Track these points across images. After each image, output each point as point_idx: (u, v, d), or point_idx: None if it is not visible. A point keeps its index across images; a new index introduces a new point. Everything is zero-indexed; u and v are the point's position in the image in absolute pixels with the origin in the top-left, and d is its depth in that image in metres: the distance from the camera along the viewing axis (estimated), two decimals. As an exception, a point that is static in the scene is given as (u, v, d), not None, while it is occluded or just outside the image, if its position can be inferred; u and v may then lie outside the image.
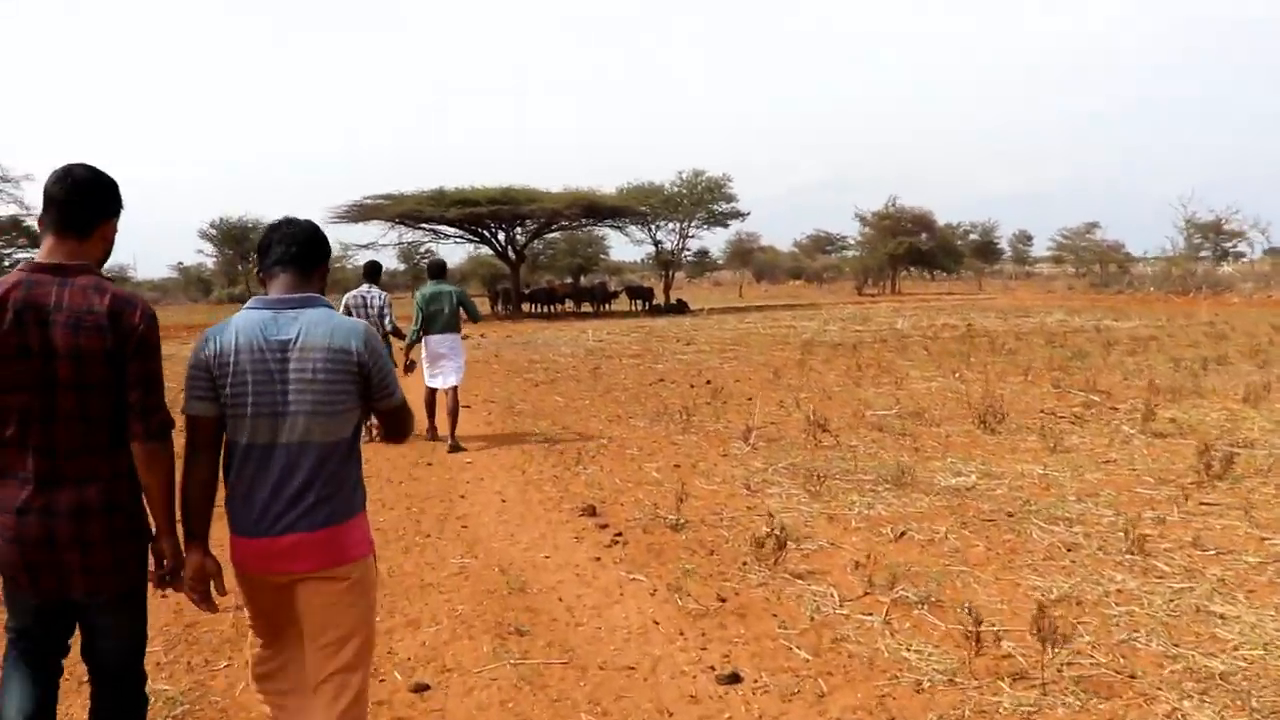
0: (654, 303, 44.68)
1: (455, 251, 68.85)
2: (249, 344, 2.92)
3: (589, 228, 50.70)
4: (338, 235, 61.55)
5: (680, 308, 42.83)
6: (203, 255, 67.31)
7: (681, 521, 7.04)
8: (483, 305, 33.51)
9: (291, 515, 2.93)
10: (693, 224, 48.45)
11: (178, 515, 3.01)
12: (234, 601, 3.90)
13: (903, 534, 6.66)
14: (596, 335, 26.65)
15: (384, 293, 11.01)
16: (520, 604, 5.58)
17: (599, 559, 6.36)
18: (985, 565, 5.99)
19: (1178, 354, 17.50)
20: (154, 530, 2.99)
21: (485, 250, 58.04)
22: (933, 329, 26.01)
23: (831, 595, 5.51)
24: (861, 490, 7.93)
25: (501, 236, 45.76)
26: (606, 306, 44.68)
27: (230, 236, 61.73)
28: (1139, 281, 48.66)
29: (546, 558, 6.43)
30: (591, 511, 7.44)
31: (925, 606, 5.29)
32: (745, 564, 6.10)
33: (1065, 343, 20.41)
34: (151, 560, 3.02)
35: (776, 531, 6.12)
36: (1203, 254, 54.49)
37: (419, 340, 10.72)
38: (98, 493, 2.82)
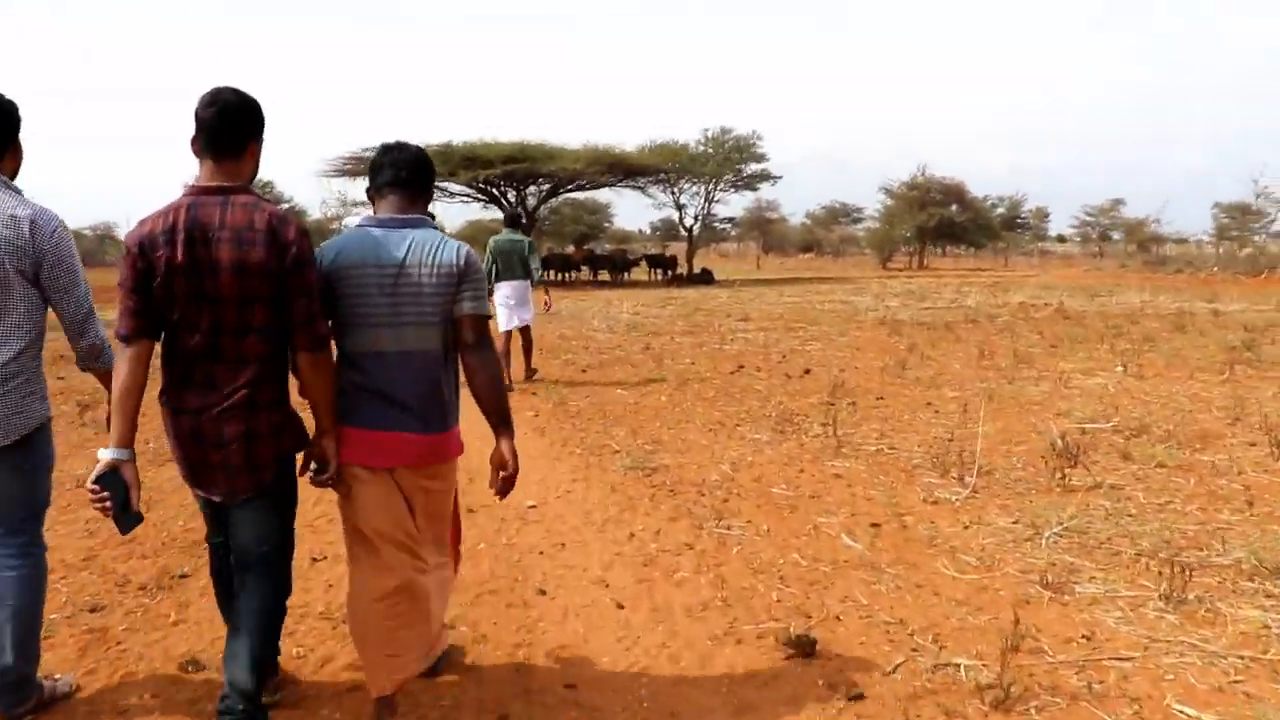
0: (677, 272, 41.07)
1: (460, 213, 64.54)
2: (361, 259, 3.14)
3: (602, 189, 46.27)
4: (335, 189, 57.44)
5: (706, 278, 39.26)
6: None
7: (1004, 693, 3.57)
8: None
9: (398, 416, 3.16)
10: (720, 187, 44.42)
11: None
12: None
13: None
14: (631, 308, 23.07)
15: None
16: None
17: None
18: None
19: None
20: (315, 431, 3.19)
21: (486, 215, 53.94)
22: (1011, 308, 22.48)
23: None
24: (1238, 589, 4.59)
25: (512, 197, 41.98)
26: (626, 276, 41.02)
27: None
28: (1199, 261, 45.03)
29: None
30: (804, 649, 3.96)
31: None
32: None
33: (1191, 326, 16.95)
34: (303, 459, 3.25)
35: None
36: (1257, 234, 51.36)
37: (491, 287, 10.80)
38: (245, 396, 3.01)
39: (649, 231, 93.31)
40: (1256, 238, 51.30)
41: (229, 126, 2.99)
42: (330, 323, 3.16)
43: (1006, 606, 4.40)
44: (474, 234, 64.63)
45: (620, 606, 4.50)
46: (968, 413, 8.86)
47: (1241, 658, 3.90)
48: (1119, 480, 6.57)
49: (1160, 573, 4.73)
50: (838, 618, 4.35)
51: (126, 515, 2.98)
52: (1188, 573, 4.59)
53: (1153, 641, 4.06)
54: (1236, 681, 3.71)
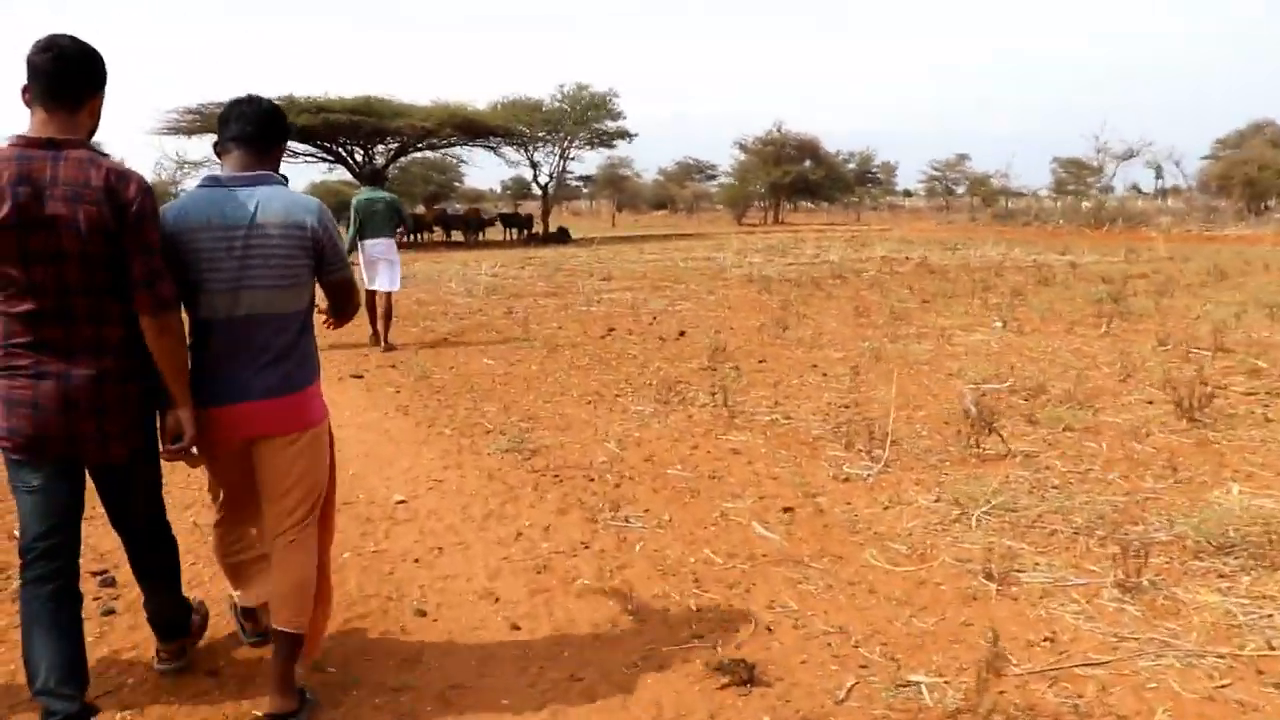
0: (533, 232, 40.09)
1: (303, 174, 61.70)
2: (205, 221, 2.95)
3: (456, 147, 44.49)
4: (169, 150, 54.00)
5: (562, 236, 38.41)
6: None
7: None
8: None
9: (253, 384, 3.01)
10: (574, 144, 43.28)
11: None
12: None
13: None
14: (489, 269, 22.12)
15: None
16: None
17: None
18: None
19: (1218, 295, 14.21)
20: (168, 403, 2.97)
21: (331, 176, 51.57)
22: (875, 262, 22.43)
23: None
24: (1189, 570, 4.24)
25: (359, 156, 40.13)
26: (480, 236, 39.77)
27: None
28: (1045, 214, 46.26)
29: None
30: (740, 675, 3.33)
31: None
32: None
33: (1054, 279, 17.07)
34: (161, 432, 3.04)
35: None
36: (1096, 188, 53.38)
37: (355, 247, 10.71)
38: (112, 361, 2.84)
39: (500, 190, 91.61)
40: (1093, 192, 53.16)
41: (66, 74, 2.76)
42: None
43: (953, 603, 3.92)
44: (320, 195, 62.41)
45: (516, 628, 3.81)
46: (860, 376, 8.41)
47: (1221, 656, 3.47)
48: (1031, 447, 6.18)
49: (1108, 555, 4.31)
50: (769, 629, 3.75)
51: None
52: (1143, 555, 4.16)
53: (1120, 641, 3.60)
54: (1223, 687, 3.27)
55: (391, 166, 42.15)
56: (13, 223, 2.66)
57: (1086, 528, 4.72)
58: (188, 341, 2.98)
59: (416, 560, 4.54)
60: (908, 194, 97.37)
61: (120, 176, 2.79)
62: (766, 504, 5.23)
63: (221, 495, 3.34)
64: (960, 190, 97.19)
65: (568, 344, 10.89)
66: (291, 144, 38.92)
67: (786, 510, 5.11)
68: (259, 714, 3.11)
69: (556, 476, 5.79)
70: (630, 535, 4.80)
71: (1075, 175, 71.23)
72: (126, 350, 2.86)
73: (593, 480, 5.71)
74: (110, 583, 4.23)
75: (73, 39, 2.80)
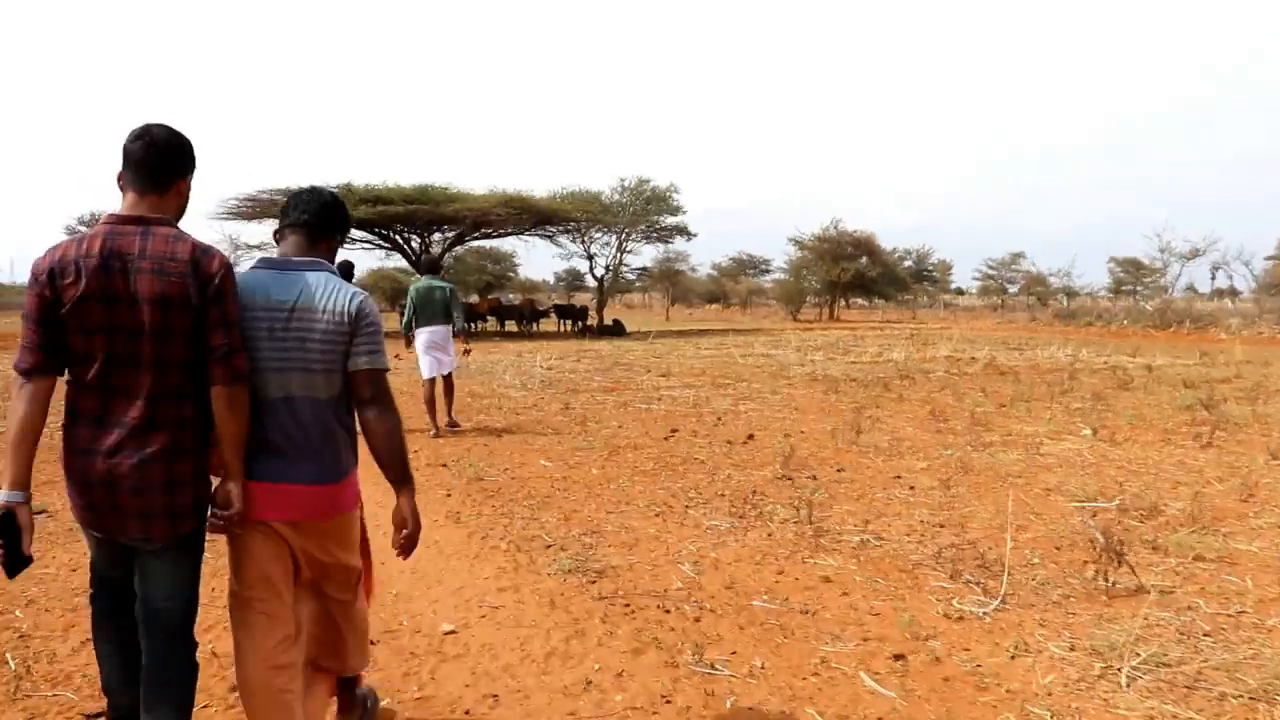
0: (587, 323, 39.72)
1: (360, 261, 62.19)
2: (251, 301, 2.98)
3: (509, 237, 44.40)
4: (227, 233, 54.75)
5: (617, 329, 37.99)
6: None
7: None
8: (389, 322, 26.60)
9: (288, 467, 3.01)
10: (632, 238, 43.01)
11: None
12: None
13: None
14: (544, 361, 21.63)
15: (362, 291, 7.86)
16: None
17: None
18: None
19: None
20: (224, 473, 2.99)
21: (388, 263, 51.83)
22: (940, 361, 21.69)
23: None
24: None
25: (416, 243, 40.20)
26: (535, 326, 39.48)
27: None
28: (1108, 314, 45.23)
29: None
30: None
31: None
32: None
33: (1133, 383, 16.19)
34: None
35: None
36: (1177, 289, 52.49)
37: (410, 332, 11.12)
38: (166, 438, 2.83)
39: (553, 281, 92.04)
40: (1148, 292, 52.26)
41: (156, 161, 2.89)
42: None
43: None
44: (375, 281, 62.67)
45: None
46: (950, 490, 7.69)
47: None
48: (1164, 581, 5.44)
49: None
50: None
51: (17, 559, 2.78)
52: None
53: None
54: None
55: (447, 255, 42.19)
56: (98, 294, 2.74)
57: (1265, 692, 3.97)
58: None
59: (467, 713, 3.88)
60: (960, 292, 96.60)
61: (204, 252, 2.87)
62: (872, 648, 4.52)
63: (247, 575, 3.15)
64: (1013, 289, 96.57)
65: (629, 446, 10.27)
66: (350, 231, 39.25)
67: (897, 658, 4.40)
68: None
69: (627, 605, 5.13)
70: (718, 687, 4.10)
71: (1133, 275, 70.37)
72: (184, 426, 2.88)
73: (669, 612, 5.03)
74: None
75: (164, 128, 2.93)
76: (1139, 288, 66.98)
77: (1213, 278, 62.39)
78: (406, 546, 3.17)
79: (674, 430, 11.34)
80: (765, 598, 5.24)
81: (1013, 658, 4.40)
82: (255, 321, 2.97)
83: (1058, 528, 6.60)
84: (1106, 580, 5.32)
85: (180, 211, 3.01)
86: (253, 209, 37.57)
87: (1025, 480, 8.29)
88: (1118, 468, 8.87)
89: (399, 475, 3.14)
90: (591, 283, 46.05)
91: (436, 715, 3.86)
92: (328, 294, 3.04)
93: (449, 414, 11.46)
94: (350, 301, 3.05)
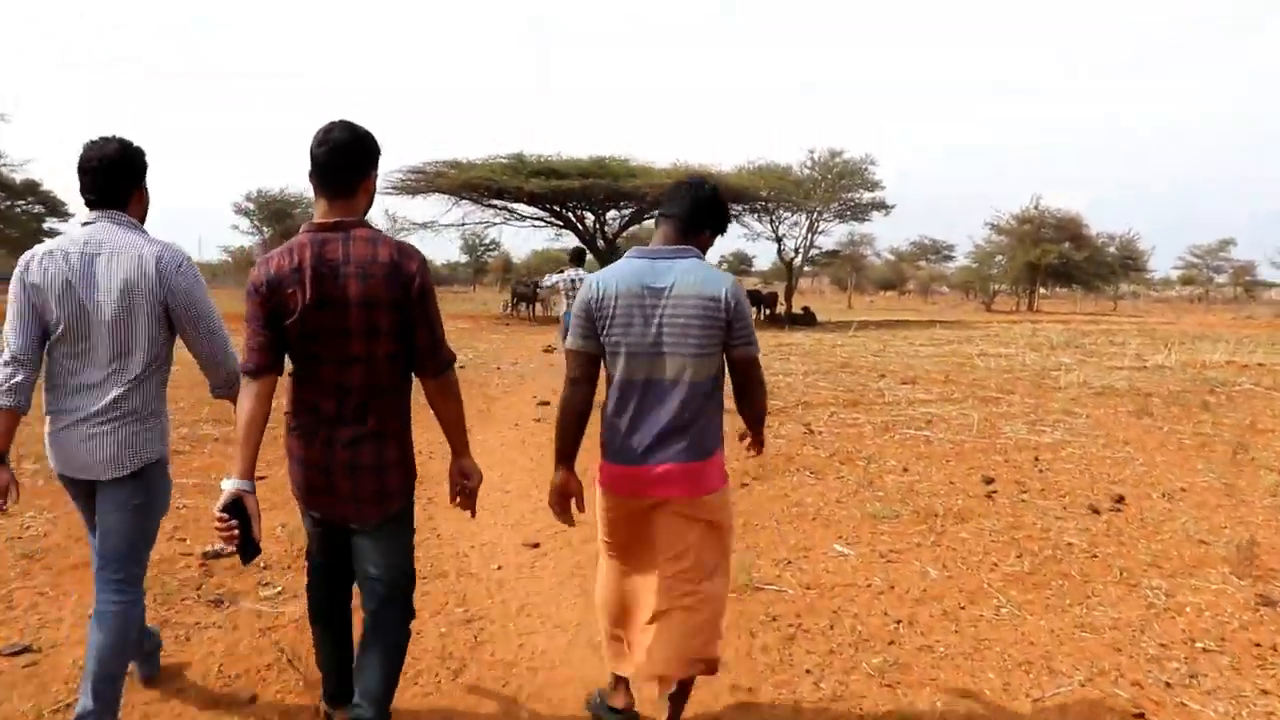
0: (776, 311, 36.34)
1: (528, 240, 60.06)
2: (628, 289, 3.15)
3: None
4: (390, 209, 53.26)
5: (808, 318, 34.62)
6: (239, 232, 60.81)
7: None
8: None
9: (662, 447, 3.13)
10: (825, 215, 39.04)
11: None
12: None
13: None
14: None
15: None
16: None
17: None
18: None
19: None
20: (454, 452, 3.22)
21: (555, 245, 49.23)
22: (1225, 369, 17.57)
23: None
24: None
25: (590, 220, 37.43)
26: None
27: (272, 212, 54.55)
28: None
29: None
30: None
31: None
32: None
33: None
34: (448, 480, 3.28)
35: None
36: None
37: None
38: (375, 425, 3.00)
39: (719, 265, 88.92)
40: None
41: (341, 165, 2.97)
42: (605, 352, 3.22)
43: None
44: (540, 264, 60.48)
45: None
46: None
47: None
48: None
49: None
50: None
51: (248, 545, 2.93)
52: None
53: None
54: None
55: (622, 235, 39.20)
56: (315, 302, 2.88)
57: None
58: (600, 401, 3.22)
59: None
60: (1165, 282, 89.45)
61: (403, 252, 2.96)
62: None
63: (613, 553, 3.36)
64: (1221, 279, 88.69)
65: (949, 513, 6.92)
66: (519, 205, 36.67)
67: None
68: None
69: None
70: None
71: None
72: (390, 415, 3.04)
73: None
74: None
75: (345, 127, 2.97)
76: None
77: None
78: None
79: (989, 481, 7.96)
80: None
81: None
82: (632, 308, 3.12)
83: None
84: None
85: (369, 206, 3.07)
86: (417, 183, 35.20)
87: None
88: None
89: (760, 434, 3.51)
90: (758, 266, 42.53)
91: None
92: (701, 280, 3.12)
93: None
94: (726, 291, 3.11)
